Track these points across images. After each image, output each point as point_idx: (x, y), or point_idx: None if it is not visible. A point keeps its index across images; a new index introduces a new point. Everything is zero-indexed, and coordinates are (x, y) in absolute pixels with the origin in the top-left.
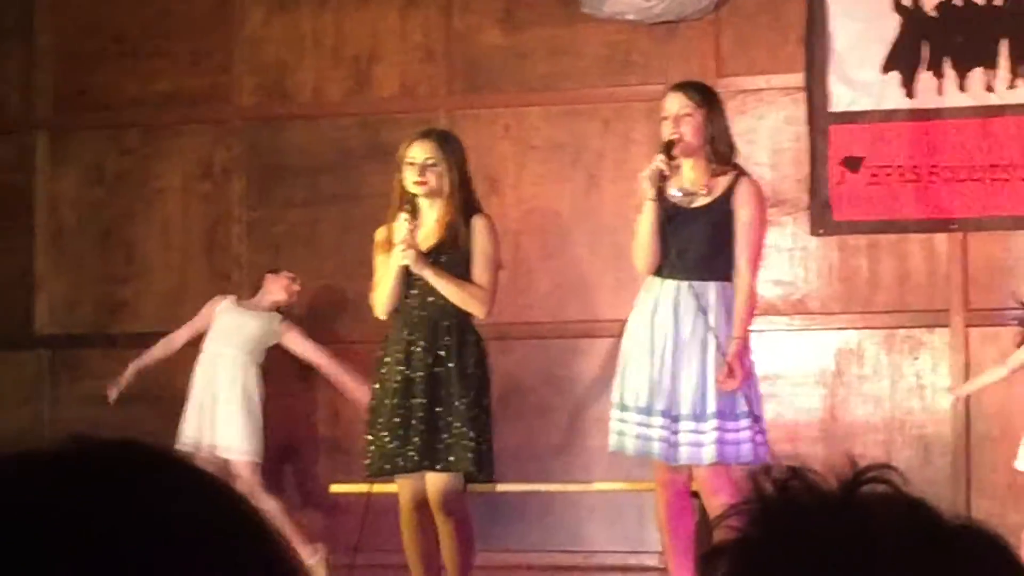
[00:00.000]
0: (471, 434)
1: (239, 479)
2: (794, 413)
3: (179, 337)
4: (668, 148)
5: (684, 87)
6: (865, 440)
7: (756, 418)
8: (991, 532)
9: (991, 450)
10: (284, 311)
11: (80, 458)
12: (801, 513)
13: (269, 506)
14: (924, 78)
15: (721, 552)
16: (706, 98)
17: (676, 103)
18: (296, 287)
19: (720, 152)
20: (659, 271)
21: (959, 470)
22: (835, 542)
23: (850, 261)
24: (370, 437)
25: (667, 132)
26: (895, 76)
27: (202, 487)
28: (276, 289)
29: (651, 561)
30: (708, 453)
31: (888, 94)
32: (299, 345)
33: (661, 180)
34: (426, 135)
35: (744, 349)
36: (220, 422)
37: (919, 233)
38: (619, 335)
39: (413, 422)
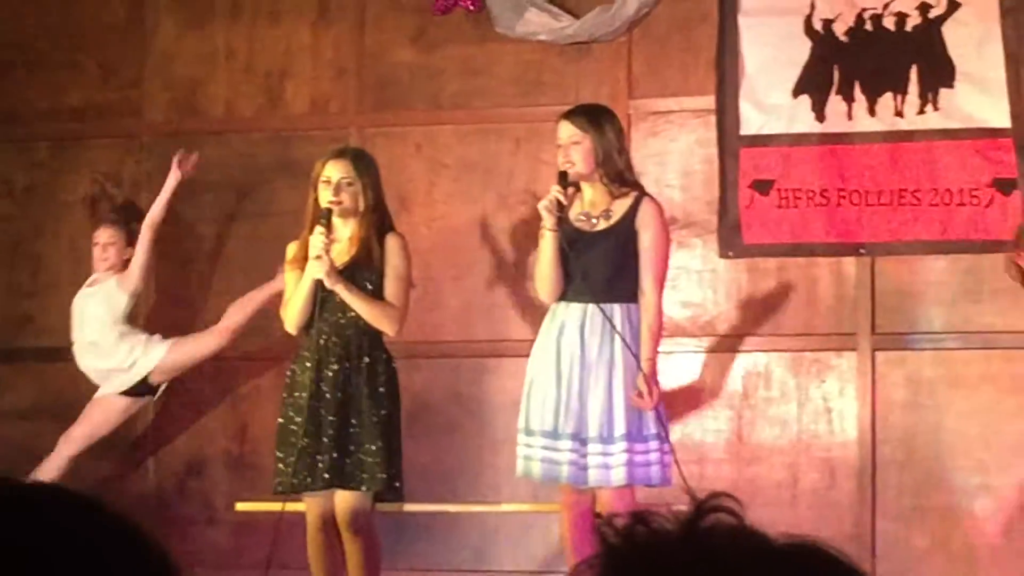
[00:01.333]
0: (382, 453)
1: None
2: (704, 435)
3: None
4: (563, 178)
5: (571, 114)
6: (771, 462)
7: (664, 439)
8: (828, 549)
9: (896, 474)
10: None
11: None
12: (645, 557)
13: None
14: (834, 102)
15: None
16: (593, 121)
17: (565, 131)
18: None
19: (616, 172)
20: (564, 295)
21: (865, 493)
22: None
23: (759, 284)
24: (279, 455)
25: (561, 160)
26: (805, 100)
27: (71, 512)
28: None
29: None
30: (617, 475)
31: (798, 118)
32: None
33: (560, 209)
34: (341, 153)
35: (655, 370)
36: None
37: (828, 257)
38: (528, 355)
39: (323, 440)
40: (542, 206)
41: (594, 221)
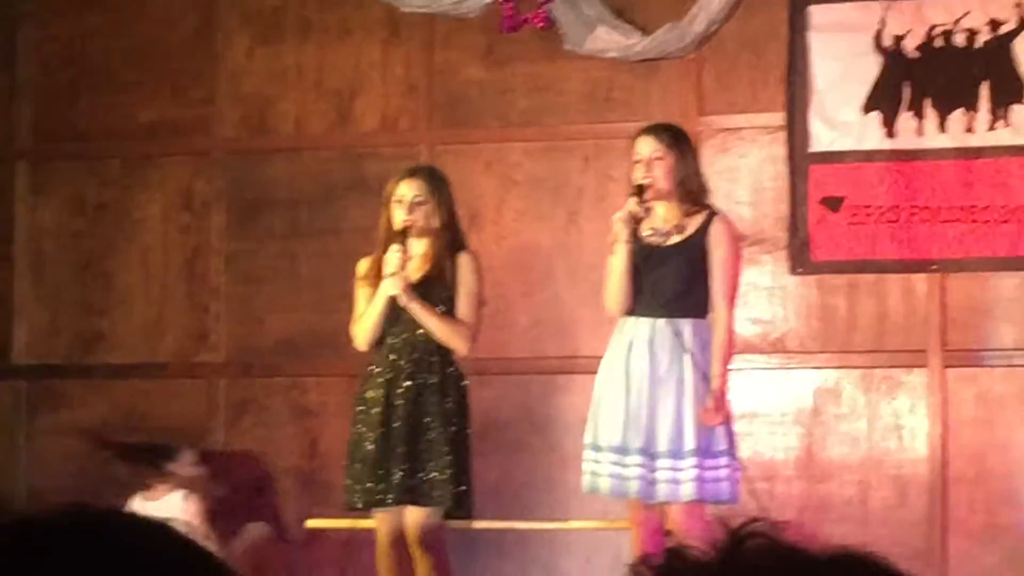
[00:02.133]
0: (452, 470)
1: None
2: (773, 451)
3: None
4: (640, 192)
5: (655, 130)
6: (841, 479)
7: (733, 455)
8: (870, 556)
9: (967, 491)
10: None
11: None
12: None
13: None
14: (904, 119)
15: None
16: (676, 140)
17: (647, 147)
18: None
19: (691, 192)
20: (633, 310)
21: (935, 511)
22: None
23: (829, 300)
24: (350, 471)
25: (639, 176)
26: (876, 116)
27: (157, 544)
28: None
29: None
30: (686, 491)
31: (868, 134)
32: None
33: (634, 223)
34: (414, 172)
35: (725, 387)
36: None
37: (898, 273)
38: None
39: (394, 456)
40: (617, 218)
41: (666, 236)
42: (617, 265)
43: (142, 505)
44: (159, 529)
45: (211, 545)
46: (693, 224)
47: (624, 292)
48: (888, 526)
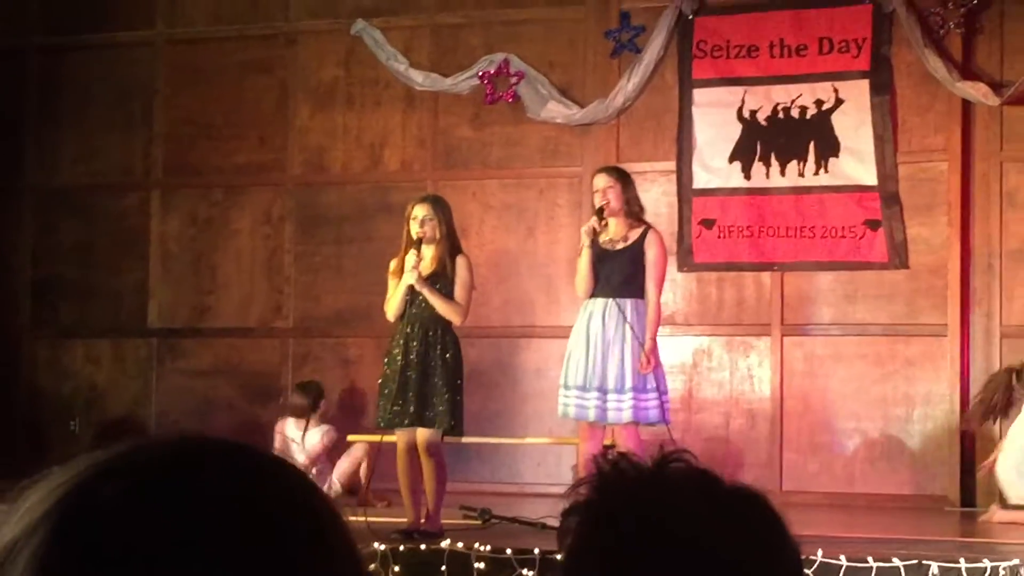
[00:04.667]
0: (449, 402)
1: None
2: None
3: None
4: (599, 212)
5: (607, 169)
6: (712, 412)
7: (662, 392)
8: (759, 492)
9: (797, 420)
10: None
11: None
12: (625, 483)
13: None
14: (757, 167)
15: (572, 510)
16: (621, 176)
17: (603, 180)
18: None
19: (634, 212)
20: (593, 293)
21: (775, 433)
22: (645, 503)
23: (704, 289)
24: (379, 402)
25: (598, 200)
26: (737, 164)
27: (290, 483)
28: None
29: (564, 490)
30: (626, 415)
31: (732, 177)
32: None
33: (594, 234)
34: (426, 199)
35: (655, 346)
36: None
37: (752, 271)
38: (549, 336)
39: (409, 394)
40: (583, 230)
41: (615, 243)
42: (583, 264)
43: (293, 430)
44: (266, 456)
45: (328, 470)
46: (634, 235)
47: (588, 281)
48: (743, 444)
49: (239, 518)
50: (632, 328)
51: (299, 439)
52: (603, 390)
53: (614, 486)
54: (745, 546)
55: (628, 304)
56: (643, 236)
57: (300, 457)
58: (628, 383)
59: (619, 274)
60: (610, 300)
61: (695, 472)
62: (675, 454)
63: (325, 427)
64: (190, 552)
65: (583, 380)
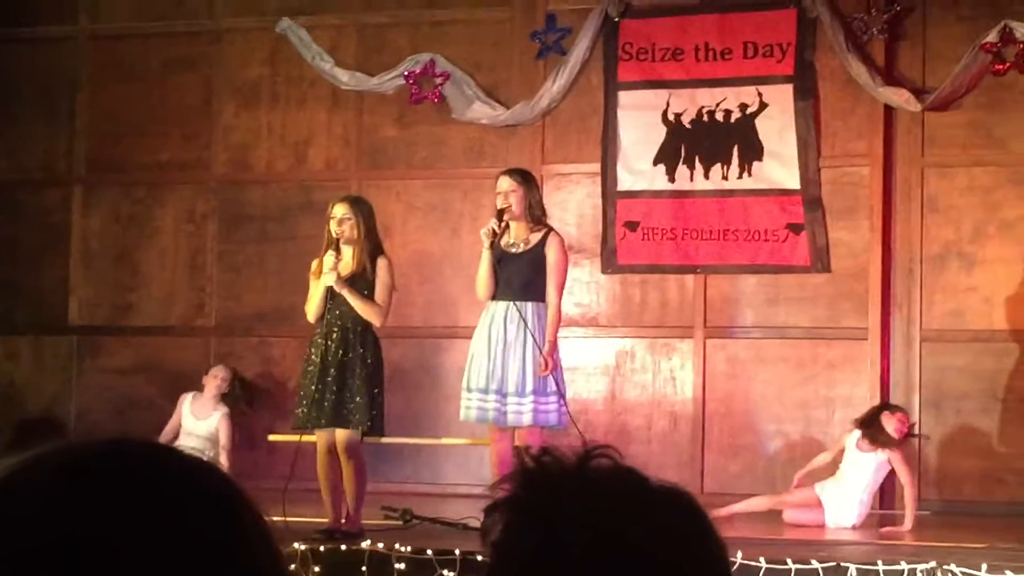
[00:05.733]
0: (368, 402)
1: None
2: (588, 393)
3: (165, 436)
4: (500, 214)
5: (510, 172)
6: (634, 413)
7: (561, 395)
8: (685, 491)
9: (719, 422)
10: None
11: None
12: (550, 478)
13: None
14: (681, 170)
15: (497, 506)
16: (525, 178)
17: (506, 183)
18: (221, 377)
19: (535, 215)
20: (494, 296)
21: (697, 435)
22: (572, 498)
23: (628, 291)
24: (299, 401)
25: (500, 203)
26: (662, 167)
27: (195, 480)
28: (213, 384)
29: (485, 491)
30: (526, 418)
31: (656, 179)
32: (223, 432)
33: (494, 236)
34: (345, 198)
35: (554, 349)
36: None
37: (675, 274)
38: (470, 338)
39: (328, 395)
40: (483, 232)
41: (517, 247)
42: (483, 266)
43: (192, 404)
44: (189, 458)
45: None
46: (536, 238)
47: (488, 283)
48: (665, 445)
49: (162, 518)
50: (532, 333)
51: (195, 417)
52: (502, 393)
53: (539, 481)
54: (672, 543)
55: (529, 307)
56: (544, 239)
57: (196, 436)
58: (529, 386)
59: (519, 277)
60: (511, 303)
61: (620, 468)
62: (598, 449)
63: (225, 410)
64: (112, 551)
65: (484, 383)
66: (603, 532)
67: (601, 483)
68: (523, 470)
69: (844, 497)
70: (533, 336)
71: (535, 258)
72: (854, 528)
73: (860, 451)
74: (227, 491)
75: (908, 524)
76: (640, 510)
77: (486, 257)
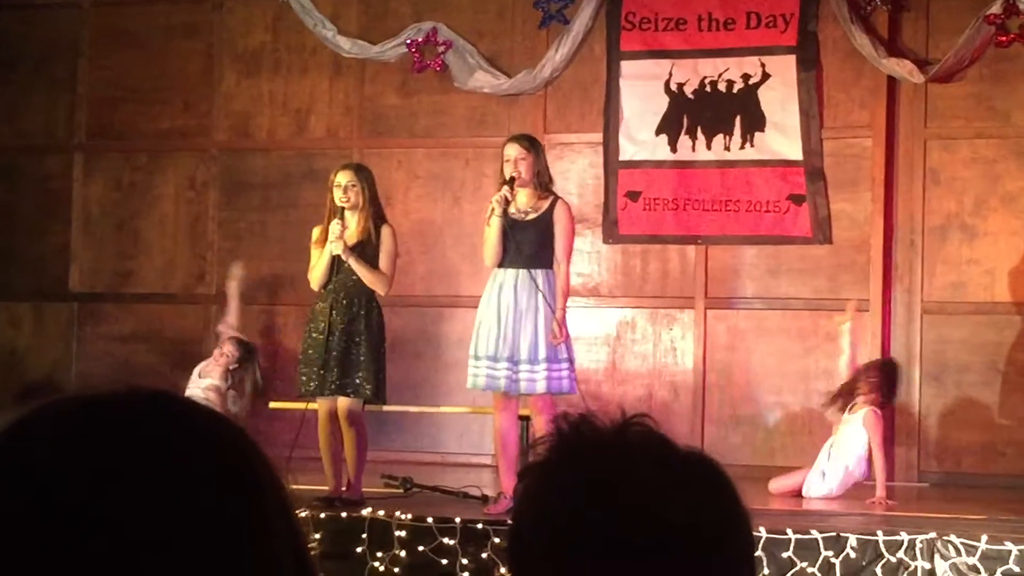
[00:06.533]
0: (371, 371)
1: None
2: (589, 363)
3: None
4: (510, 182)
5: (518, 138)
6: (635, 383)
7: (571, 363)
8: (710, 458)
9: (719, 393)
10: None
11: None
12: (587, 445)
13: None
14: (683, 140)
15: (531, 469)
16: (533, 145)
17: (514, 150)
18: (228, 353)
19: (543, 183)
20: (502, 263)
21: (697, 406)
22: (602, 466)
23: (629, 261)
24: (302, 370)
25: (508, 171)
26: (664, 137)
27: (212, 427)
28: (221, 360)
29: (486, 460)
30: (540, 386)
31: (659, 149)
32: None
33: (505, 204)
34: (348, 166)
35: (564, 317)
36: None
37: (676, 244)
38: (473, 306)
39: (331, 362)
40: (494, 199)
41: (525, 214)
42: (492, 233)
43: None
44: (201, 408)
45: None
46: (544, 205)
47: (497, 251)
48: (664, 416)
49: (180, 466)
50: (545, 298)
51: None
52: (514, 360)
53: (571, 448)
54: (697, 511)
55: (540, 275)
56: (552, 206)
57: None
58: (542, 354)
59: (530, 245)
60: (522, 271)
61: (654, 437)
62: (636, 418)
63: (228, 385)
64: (122, 497)
65: (494, 350)
66: (624, 502)
67: (630, 452)
68: (558, 435)
69: (832, 465)
70: (548, 303)
71: (545, 226)
72: (831, 497)
73: (850, 415)
74: (241, 440)
75: (879, 491)
76: (666, 480)
77: (496, 224)
